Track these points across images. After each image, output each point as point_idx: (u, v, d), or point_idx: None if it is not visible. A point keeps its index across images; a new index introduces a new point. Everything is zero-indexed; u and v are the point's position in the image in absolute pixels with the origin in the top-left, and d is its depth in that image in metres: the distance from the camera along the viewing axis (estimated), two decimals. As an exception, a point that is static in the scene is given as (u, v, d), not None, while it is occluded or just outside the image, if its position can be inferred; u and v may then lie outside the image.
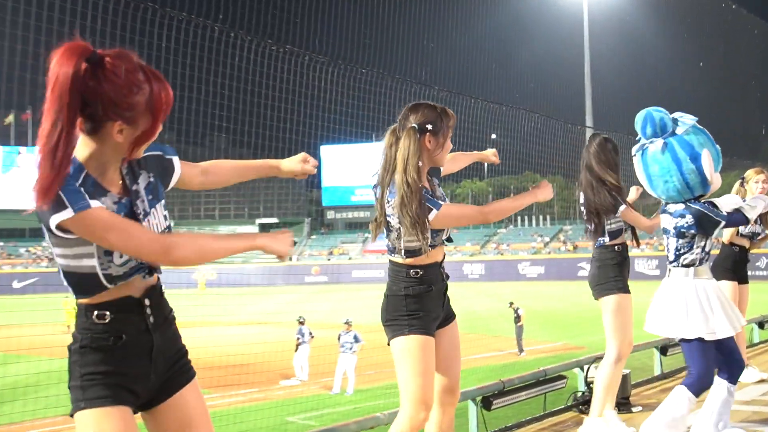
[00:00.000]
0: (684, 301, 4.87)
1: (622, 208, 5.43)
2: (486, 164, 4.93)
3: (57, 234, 2.27)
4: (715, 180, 4.89)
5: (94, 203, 2.25)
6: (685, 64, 63.91)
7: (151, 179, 2.52)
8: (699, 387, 4.82)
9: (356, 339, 18.27)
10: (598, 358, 6.94)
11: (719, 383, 4.94)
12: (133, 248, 2.30)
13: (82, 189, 2.25)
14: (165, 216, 2.55)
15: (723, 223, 4.89)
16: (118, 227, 2.26)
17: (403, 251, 3.78)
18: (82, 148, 2.33)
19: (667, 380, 7.85)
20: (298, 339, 19.63)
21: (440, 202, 3.67)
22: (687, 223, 4.86)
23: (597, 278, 5.54)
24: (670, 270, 5.03)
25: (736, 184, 7.24)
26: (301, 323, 19.99)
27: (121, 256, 2.37)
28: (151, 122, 2.35)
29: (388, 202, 3.77)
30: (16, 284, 62.15)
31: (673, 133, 4.89)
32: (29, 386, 14.71)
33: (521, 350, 21.96)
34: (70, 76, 2.17)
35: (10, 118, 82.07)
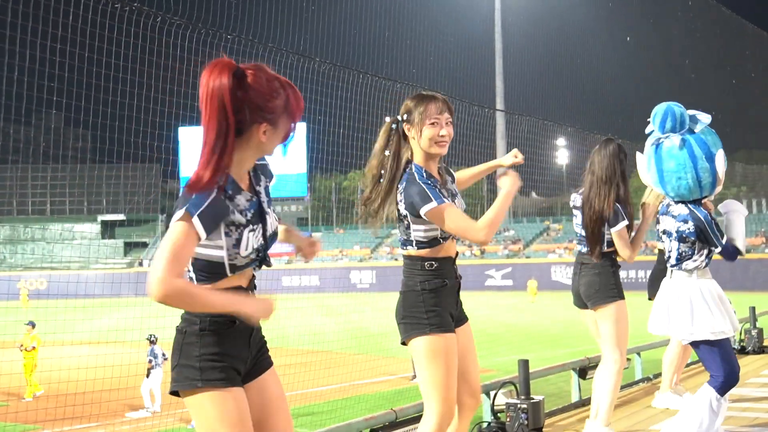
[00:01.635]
0: (689, 302, 5.59)
1: (622, 225, 6.00)
2: None
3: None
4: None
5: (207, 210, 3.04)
6: (611, 39, 65.84)
7: (267, 183, 3.50)
8: (726, 386, 5.52)
9: None
10: (508, 383, 7.05)
11: (705, 390, 5.59)
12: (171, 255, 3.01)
13: (210, 198, 3.05)
14: (276, 217, 3.53)
15: (718, 248, 5.65)
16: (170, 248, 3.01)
17: (414, 242, 4.39)
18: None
19: (586, 407, 8.02)
20: (150, 362, 19.28)
21: (445, 199, 4.20)
22: (688, 229, 5.60)
23: (596, 286, 6.18)
24: (671, 272, 5.75)
25: None
26: (153, 342, 19.64)
27: (246, 249, 3.20)
28: (289, 123, 3.24)
29: (401, 192, 4.36)
30: None
31: (691, 131, 5.52)
32: None
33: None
34: (224, 88, 3.01)
35: None
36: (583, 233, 6.22)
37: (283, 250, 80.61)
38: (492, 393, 7.21)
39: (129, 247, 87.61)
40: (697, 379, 9.39)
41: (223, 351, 3.18)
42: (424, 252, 4.38)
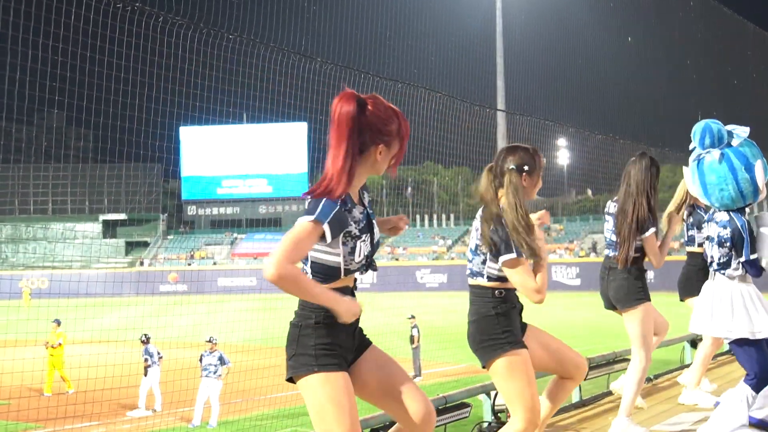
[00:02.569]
0: (729, 303, 5.97)
1: (651, 231, 6.44)
2: None
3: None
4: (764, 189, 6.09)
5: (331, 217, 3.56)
6: (612, 39, 65.77)
7: (369, 198, 3.98)
8: (761, 383, 5.88)
9: (222, 361, 18.09)
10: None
11: (741, 388, 5.93)
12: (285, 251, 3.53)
13: (337, 208, 3.57)
14: (377, 230, 3.99)
15: (743, 258, 6.00)
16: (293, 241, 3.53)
17: (485, 276, 4.88)
18: None
19: (586, 408, 8.03)
20: (147, 361, 19.31)
21: (522, 253, 4.71)
22: (726, 235, 6.02)
23: (624, 289, 6.56)
24: (714, 275, 6.14)
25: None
26: (145, 342, 19.69)
27: (359, 256, 3.77)
28: (400, 145, 3.82)
29: (478, 230, 4.92)
30: None
31: (729, 145, 5.98)
32: None
33: (418, 374, 22.19)
34: (351, 114, 3.63)
35: None
36: (614, 238, 6.60)
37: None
38: (492, 393, 7.21)
39: (130, 246, 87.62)
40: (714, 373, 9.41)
41: (334, 341, 3.76)
42: (494, 284, 4.88)
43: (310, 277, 3.77)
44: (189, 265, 78.51)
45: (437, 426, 6.84)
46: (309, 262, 3.77)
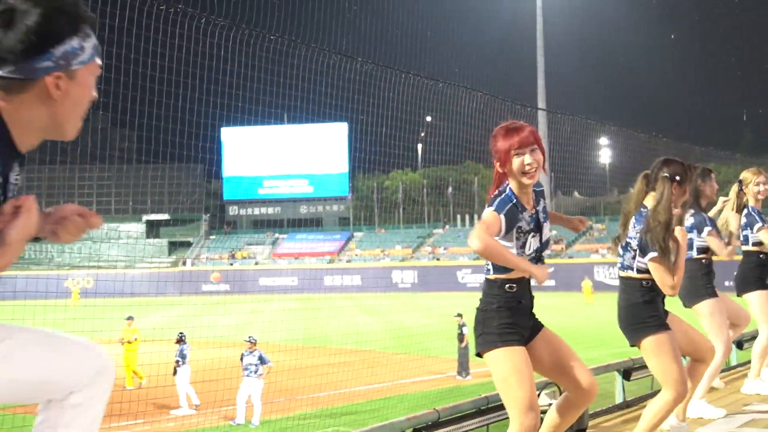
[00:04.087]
0: None
1: (707, 230, 7.21)
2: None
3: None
4: None
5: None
6: (654, 37, 65.22)
7: (544, 204, 4.74)
8: None
9: (262, 360, 18.15)
10: (551, 383, 7.02)
11: None
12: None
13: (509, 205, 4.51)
14: (549, 227, 4.79)
15: None
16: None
17: (635, 269, 5.65)
18: (511, 181, 4.63)
19: (630, 409, 7.96)
20: (177, 361, 19.46)
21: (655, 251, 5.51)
22: None
23: (687, 287, 7.08)
24: None
25: (734, 189, 8.01)
26: (181, 341, 19.84)
27: (529, 249, 4.56)
28: (506, 156, 4.56)
29: (634, 227, 5.69)
30: None
31: None
32: None
33: (467, 373, 22.12)
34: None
35: None
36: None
37: (325, 250, 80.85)
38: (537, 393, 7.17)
39: (173, 246, 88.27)
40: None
41: (514, 321, 4.60)
42: (642, 276, 5.63)
43: (491, 268, 4.63)
44: (231, 264, 78.96)
45: (478, 426, 6.82)
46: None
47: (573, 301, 47.63)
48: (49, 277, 62.30)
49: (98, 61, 2.64)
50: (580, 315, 39.04)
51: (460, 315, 23.18)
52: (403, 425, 6.09)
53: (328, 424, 16.77)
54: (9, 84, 2.43)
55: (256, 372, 17.92)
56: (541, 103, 64.39)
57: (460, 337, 22.60)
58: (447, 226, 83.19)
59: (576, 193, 78.10)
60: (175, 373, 19.46)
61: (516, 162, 4.53)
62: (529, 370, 4.67)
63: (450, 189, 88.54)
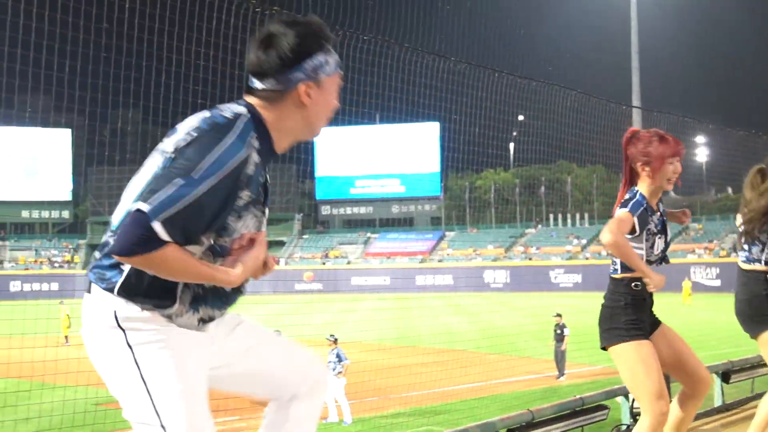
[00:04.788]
0: None
1: None
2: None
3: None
4: None
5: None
6: (754, 32, 63.67)
7: (664, 208, 5.19)
8: None
9: (339, 358, 18.26)
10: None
11: None
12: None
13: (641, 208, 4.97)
14: (670, 231, 5.22)
15: None
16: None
17: (763, 261, 5.70)
18: (642, 185, 5.07)
19: (729, 413, 7.80)
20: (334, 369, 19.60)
21: None
22: None
23: (750, 311, 5.92)
24: None
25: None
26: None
27: (656, 250, 5.04)
28: (660, 161, 4.98)
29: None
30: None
31: None
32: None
33: (561, 373, 21.94)
34: (624, 142, 5.09)
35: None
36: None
37: (417, 249, 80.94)
38: (631, 396, 7.08)
39: (267, 245, 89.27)
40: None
41: (638, 317, 5.00)
42: (766, 267, 5.70)
43: (618, 267, 5.04)
44: (324, 264, 79.58)
45: (574, 428, 6.77)
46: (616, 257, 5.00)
47: (670, 301, 46.73)
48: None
49: (340, 73, 3.17)
50: (677, 316, 38.32)
51: (559, 315, 22.94)
52: (496, 425, 6.08)
53: (420, 423, 16.79)
54: (270, 95, 3.03)
55: (334, 370, 18.02)
56: (636, 100, 63.42)
57: (560, 337, 22.32)
58: (539, 226, 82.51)
59: (672, 193, 76.71)
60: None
61: (668, 169, 4.98)
62: (656, 361, 4.98)
63: (543, 188, 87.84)
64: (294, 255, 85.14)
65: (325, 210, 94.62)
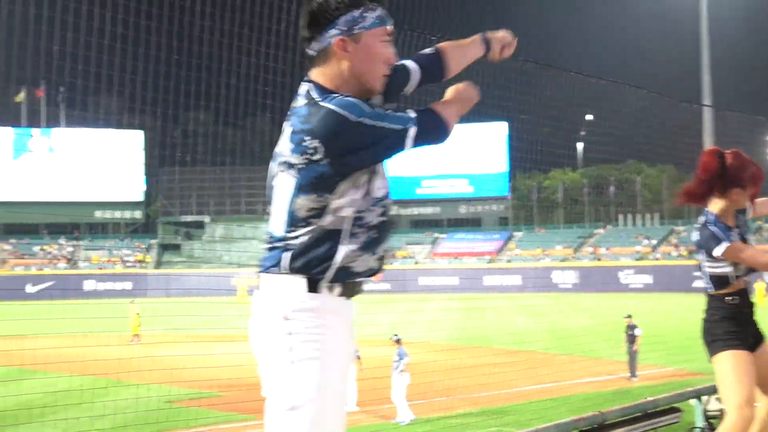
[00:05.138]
0: None
1: None
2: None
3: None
4: None
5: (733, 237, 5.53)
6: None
7: (746, 219, 5.74)
8: None
9: (400, 356, 18.28)
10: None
11: None
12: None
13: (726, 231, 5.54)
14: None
15: None
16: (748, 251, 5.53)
17: None
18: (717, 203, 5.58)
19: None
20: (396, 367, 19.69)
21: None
22: None
23: None
24: None
25: None
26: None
27: (741, 267, 5.50)
28: (753, 187, 5.55)
29: None
30: (29, 288, 63.57)
31: None
32: (46, 407, 15.11)
33: (633, 374, 21.76)
34: (713, 164, 5.49)
35: (21, 96, 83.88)
36: None
37: (484, 250, 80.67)
38: (704, 398, 6.98)
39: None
40: None
41: (736, 329, 5.40)
42: None
43: (712, 286, 5.56)
44: (391, 264, 79.68)
45: (646, 430, 6.68)
46: (708, 276, 5.53)
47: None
48: (216, 275, 64.44)
49: (385, 27, 3.38)
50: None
51: (629, 316, 22.78)
52: (567, 426, 6.04)
53: (489, 423, 16.73)
54: (318, 59, 3.35)
55: (396, 369, 18.02)
56: (707, 99, 62.40)
57: (631, 338, 22.14)
58: (608, 226, 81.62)
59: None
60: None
61: (750, 191, 5.55)
62: (750, 370, 5.29)
63: (611, 188, 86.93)
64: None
65: (392, 210, 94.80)
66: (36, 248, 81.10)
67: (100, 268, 76.25)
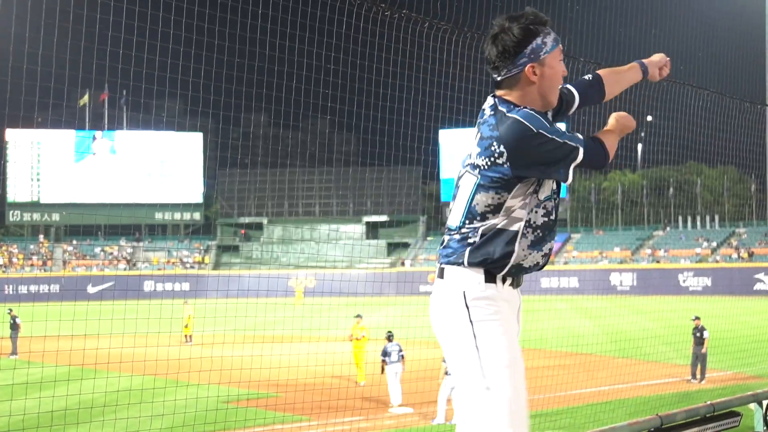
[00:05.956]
0: None
1: None
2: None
3: None
4: None
5: None
6: None
7: None
8: None
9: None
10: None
11: None
12: None
13: None
14: None
15: None
16: None
17: None
18: None
19: None
20: (384, 360, 19.86)
21: None
22: None
23: None
24: None
25: None
26: (389, 339, 20.26)
27: None
28: None
29: None
30: (90, 288, 64.56)
31: None
32: (107, 405, 15.35)
33: (702, 376, 21.63)
34: None
35: (85, 99, 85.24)
36: None
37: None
38: (765, 402, 6.90)
39: (392, 247, 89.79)
40: None
41: None
42: None
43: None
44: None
45: (704, 434, 6.61)
46: None
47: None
48: (273, 276, 64.80)
49: (560, 47, 3.85)
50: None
51: (697, 318, 22.61)
52: (624, 430, 5.99)
53: (545, 426, 16.65)
54: (508, 82, 3.85)
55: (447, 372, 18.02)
56: (770, 99, 61.40)
57: (699, 340, 21.97)
58: (668, 228, 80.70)
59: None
60: (382, 371, 19.88)
61: None
62: None
63: (671, 190, 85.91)
64: (419, 257, 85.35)
65: (449, 212, 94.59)
66: (97, 249, 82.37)
67: (160, 269, 77.21)
